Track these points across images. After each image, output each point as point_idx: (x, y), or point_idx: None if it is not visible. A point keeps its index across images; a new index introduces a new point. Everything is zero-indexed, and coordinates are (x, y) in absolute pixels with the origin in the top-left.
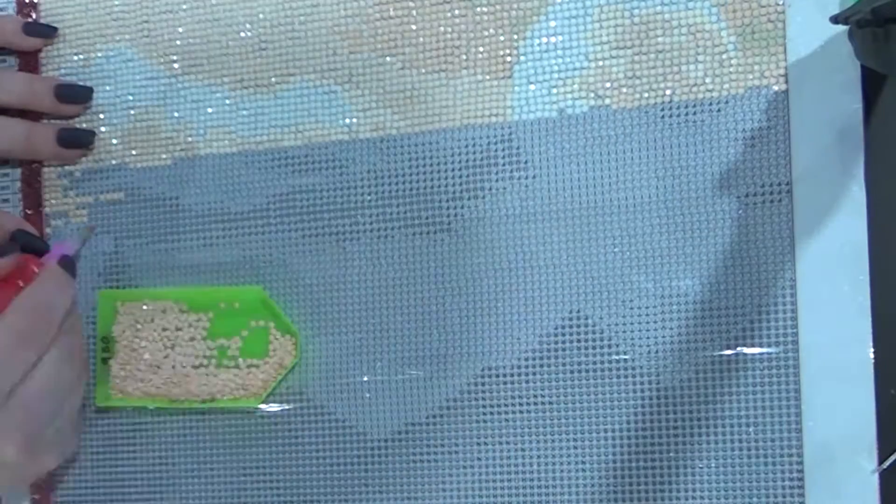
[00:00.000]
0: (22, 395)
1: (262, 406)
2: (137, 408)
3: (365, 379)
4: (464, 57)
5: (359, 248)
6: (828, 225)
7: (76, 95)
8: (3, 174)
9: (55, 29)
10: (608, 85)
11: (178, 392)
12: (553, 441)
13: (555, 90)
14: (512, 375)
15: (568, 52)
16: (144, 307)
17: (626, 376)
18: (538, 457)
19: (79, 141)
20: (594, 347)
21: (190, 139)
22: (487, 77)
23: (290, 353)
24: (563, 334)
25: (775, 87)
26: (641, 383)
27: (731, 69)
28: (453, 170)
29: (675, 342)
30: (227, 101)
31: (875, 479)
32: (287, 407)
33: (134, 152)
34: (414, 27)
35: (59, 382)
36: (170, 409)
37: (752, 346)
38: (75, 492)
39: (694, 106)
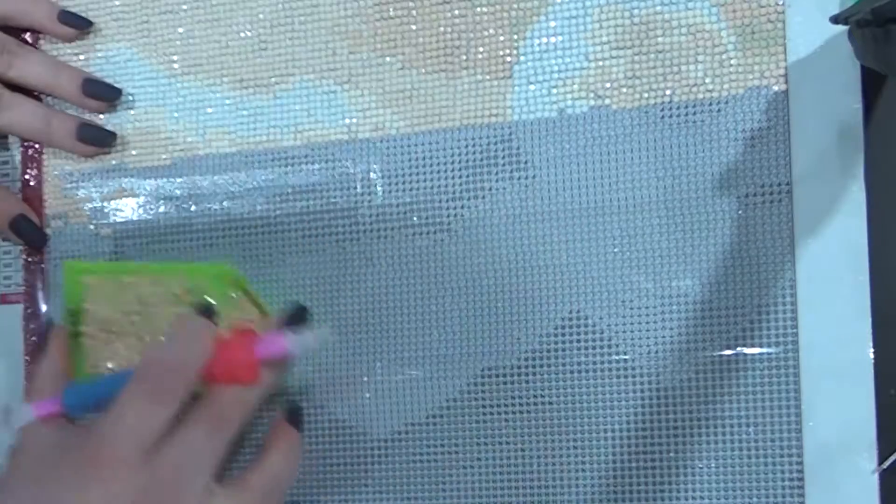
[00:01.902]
0: None
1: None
2: None
3: (365, 379)
4: (464, 57)
5: (358, 249)
6: (828, 225)
7: (103, 94)
8: (4, 175)
9: (90, 23)
10: (608, 85)
11: None
12: (553, 441)
13: (555, 90)
14: (512, 375)
15: (568, 52)
16: (113, 280)
17: (626, 376)
18: (538, 457)
19: (99, 141)
20: (594, 347)
21: (190, 139)
22: (487, 77)
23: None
24: (563, 334)
25: (775, 87)
26: (641, 383)
27: (731, 69)
28: (453, 170)
29: (675, 342)
30: (227, 101)
31: (875, 479)
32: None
33: (134, 152)
34: (414, 27)
35: None
36: None
37: (752, 346)
38: None
39: (694, 106)
